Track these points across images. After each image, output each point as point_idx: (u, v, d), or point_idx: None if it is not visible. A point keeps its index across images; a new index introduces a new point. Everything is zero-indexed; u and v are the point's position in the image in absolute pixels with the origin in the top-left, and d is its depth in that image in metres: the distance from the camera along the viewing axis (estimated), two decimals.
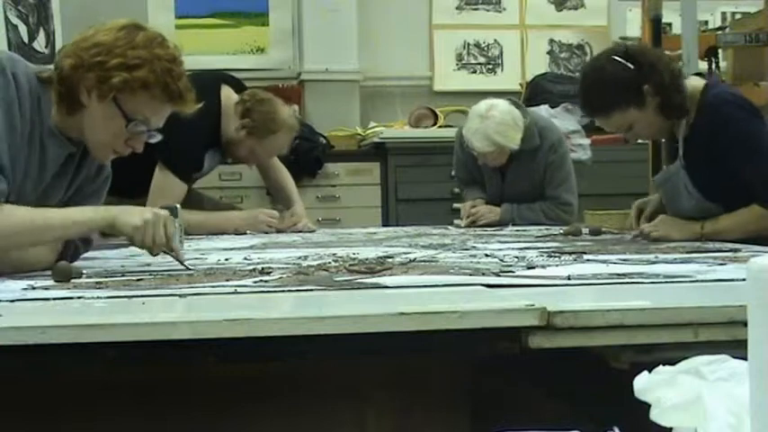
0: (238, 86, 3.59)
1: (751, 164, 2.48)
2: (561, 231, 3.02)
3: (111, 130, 1.95)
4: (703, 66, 4.12)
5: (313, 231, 3.52)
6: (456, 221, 3.96)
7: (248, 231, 3.43)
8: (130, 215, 1.90)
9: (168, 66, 1.94)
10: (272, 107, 3.48)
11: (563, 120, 5.09)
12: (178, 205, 2.60)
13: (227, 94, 3.50)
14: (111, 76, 1.89)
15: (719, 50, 4.25)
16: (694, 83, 2.62)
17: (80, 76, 1.91)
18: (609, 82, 2.52)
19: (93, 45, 1.93)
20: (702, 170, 2.56)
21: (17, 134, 1.87)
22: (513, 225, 3.58)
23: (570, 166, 3.79)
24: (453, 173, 4.15)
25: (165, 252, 1.94)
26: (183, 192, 3.39)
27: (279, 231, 3.47)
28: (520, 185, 3.71)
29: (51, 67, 1.99)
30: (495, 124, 3.55)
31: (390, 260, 2.01)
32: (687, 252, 2.13)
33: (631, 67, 2.50)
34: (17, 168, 1.88)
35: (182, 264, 1.92)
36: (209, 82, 3.52)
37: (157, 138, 2.03)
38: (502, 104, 3.65)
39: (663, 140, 3.28)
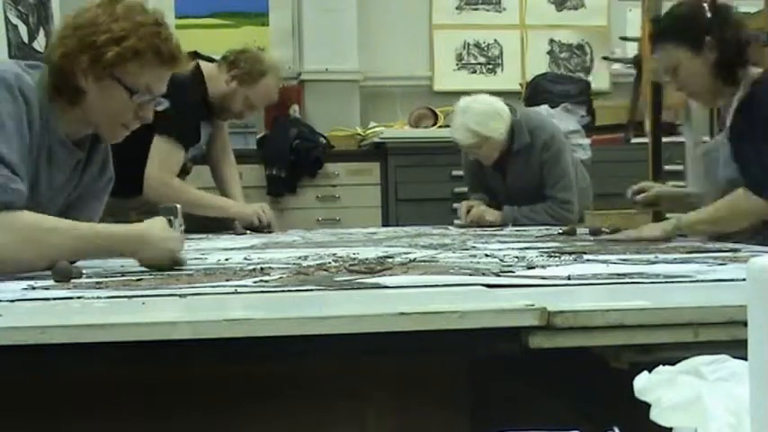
0: (211, 61, 3.65)
1: (757, 140, 2.48)
2: (559, 231, 3.02)
3: (117, 107, 1.95)
4: None
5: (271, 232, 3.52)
6: (456, 221, 3.96)
7: (239, 227, 3.44)
8: (137, 243, 1.89)
9: (154, 29, 1.94)
10: (255, 53, 3.59)
11: (563, 120, 5.09)
12: (178, 205, 2.60)
13: (206, 64, 3.57)
14: (103, 53, 1.89)
15: None
16: (761, 69, 2.64)
17: (72, 61, 1.91)
18: (681, 14, 2.63)
19: (76, 28, 1.92)
20: (741, 144, 2.56)
21: (26, 149, 1.87)
22: (515, 225, 3.58)
23: (566, 162, 3.78)
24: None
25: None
26: (181, 159, 3.42)
27: (256, 230, 3.47)
28: (521, 185, 3.71)
29: (39, 63, 1.99)
30: (473, 115, 3.56)
31: (390, 260, 2.01)
32: (687, 252, 2.13)
33: (708, 15, 2.57)
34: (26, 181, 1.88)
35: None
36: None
37: (164, 104, 2.04)
38: (482, 97, 3.68)
39: (659, 142, 3.31)
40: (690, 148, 3.82)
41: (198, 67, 3.53)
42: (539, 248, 2.32)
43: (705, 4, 2.60)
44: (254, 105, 3.60)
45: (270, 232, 3.49)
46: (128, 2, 1.97)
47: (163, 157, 3.36)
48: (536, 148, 3.69)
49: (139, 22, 1.93)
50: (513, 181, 3.73)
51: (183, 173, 3.59)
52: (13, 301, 1.40)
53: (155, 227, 1.92)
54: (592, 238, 2.71)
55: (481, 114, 3.58)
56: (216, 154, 3.81)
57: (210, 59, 3.63)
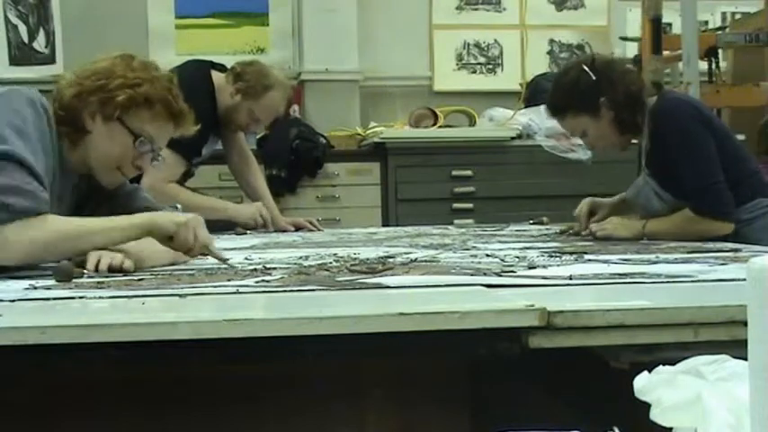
0: (224, 70, 3.64)
1: (687, 161, 2.59)
2: (558, 231, 3.02)
3: (118, 150, 2.00)
4: (703, 66, 4.12)
5: (321, 230, 3.56)
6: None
7: (240, 227, 3.44)
8: (170, 215, 1.98)
9: (167, 85, 2.02)
10: (262, 66, 3.57)
11: None
12: (179, 205, 2.60)
13: (217, 75, 3.56)
14: (115, 96, 1.96)
15: (719, 50, 4.25)
16: (653, 98, 2.75)
17: (83, 102, 1.97)
18: (568, 86, 2.72)
19: (93, 72, 2.00)
20: (664, 172, 2.67)
21: (47, 166, 1.91)
22: None
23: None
24: None
25: (202, 254, 1.96)
26: (181, 170, 3.42)
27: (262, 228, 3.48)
28: None
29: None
30: None
31: (391, 260, 2.01)
32: (688, 252, 2.13)
33: (593, 78, 2.66)
34: None
35: (222, 260, 1.95)
36: (199, 65, 3.59)
37: (162, 159, 2.10)
38: None
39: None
40: None
41: (210, 77, 3.52)
42: (539, 248, 2.32)
43: (585, 68, 2.68)
44: (258, 119, 3.58)
45: (267, 232, 3.49)
46: (144, 59, 2.07)
47: (161, 167, 3.35)
48: None
49: (155, 75, 2.01)
50: None
51: (187, 175, 3.59)
52: (13, 301, 1.40)
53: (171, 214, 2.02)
54: (590, 238, 2.71)
55: None
56: (237, 165, 3.81)
57: (223, 68, 3.62)
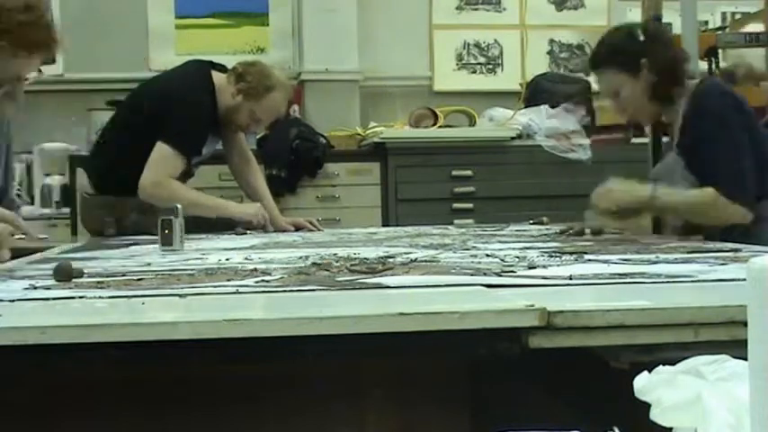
0: (224, 71, 3.64)
1: (720, 144, 2.59)
2: (558, 231, 3.02)
3: None
4: (703, 66, 4.12)
5: (321, 230, 3.56)
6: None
7: (242, 226, 3.45)
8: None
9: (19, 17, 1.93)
10: (263, 67, 3.57)
11: (563, 120, 5.10)
12: (179, 205, 2.60)
13: (218, 75, 3.56)
14: None
15: (719, 50, 4.25)
16: (695, 81, 2.75)
17: None
18: (615, 42, 2.75)
19: None
20: (693, 153, 2.66)
21: None
22: None
23: None
24: None
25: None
26: (180, 166, 3.42)
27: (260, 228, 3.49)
28: None
29: None
30: None
31: (391, 260, 2.01)
32: (688, 252, 2.13)
33: (641, 39, 2.69)
34: None
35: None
36: (200, 65, 3.59)
37: None
38: None
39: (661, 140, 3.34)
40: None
41: (210, 77, 3.52)
42: (539, 248, 2.32)
43: (638, 29, 2.74)
44: (260, 120, 3.59)
45: (267, 232, 3.49)
46: None
47: (161, 163, 3.36)
48: None
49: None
50: None
51: (187, 175, 3.59)
52: (13, 301, 1.40)
53: None
54: (592, 239, 2.71)
55: None
56: (237, 165, 3.82)
57: (223, 69, 3.63)
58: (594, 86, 5.69)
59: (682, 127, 2.71)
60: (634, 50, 2.68)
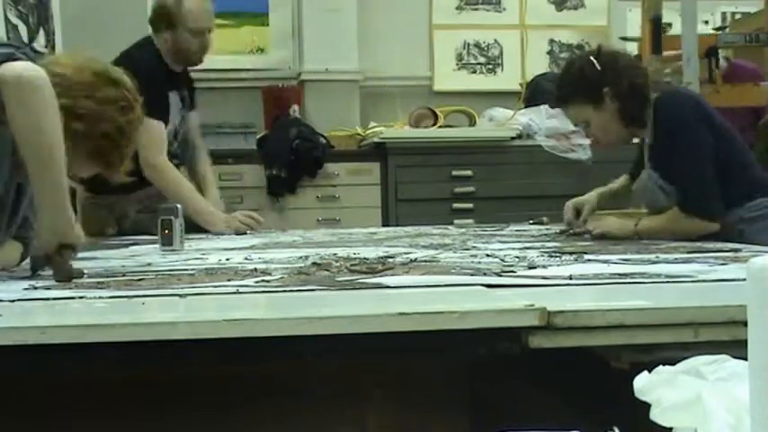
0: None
1: (678, 155, 2.62)
2: (558, 231, 3.02)
3: None
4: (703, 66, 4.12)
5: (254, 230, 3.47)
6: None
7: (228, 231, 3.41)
8: None
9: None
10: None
11: (563, 120, 5.09)
12: (178, 205, 2.61)
13: (155, 37, 3.60)
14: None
15: (719, 50, 4.25)
16: (657, 93, 2.77)
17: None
18: (574, 75, 2.77)
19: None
20: (665, 165, 2.69)
21: None
22: None
23: None
24: None
25: None
26: (162, 131, 3.44)
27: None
28: None
29: None
30: None
31: (391, 260, 2.01)
32: (688, 252, 2.13)
33: (598, 68, 2.71)
34: None
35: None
36: (141, 41, 3.64)
37: None
38: None
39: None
40: None
41: (151, 42, 3.57)
42: (539, 248, 2.32)
43: (591, 59, 2.74)
44: (197, 31, 3.56)
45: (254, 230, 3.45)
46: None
47: (145, 136, 3.31)
48: None
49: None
50: None
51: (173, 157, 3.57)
52: (13, 301, 1.40)
53: None
54: (590, 238, 2.71)
55: None
56: (189, 150, 3.75)
57: None
58: None
59: (651, 142, 2.76)
60: (594, 81, 2.70)
